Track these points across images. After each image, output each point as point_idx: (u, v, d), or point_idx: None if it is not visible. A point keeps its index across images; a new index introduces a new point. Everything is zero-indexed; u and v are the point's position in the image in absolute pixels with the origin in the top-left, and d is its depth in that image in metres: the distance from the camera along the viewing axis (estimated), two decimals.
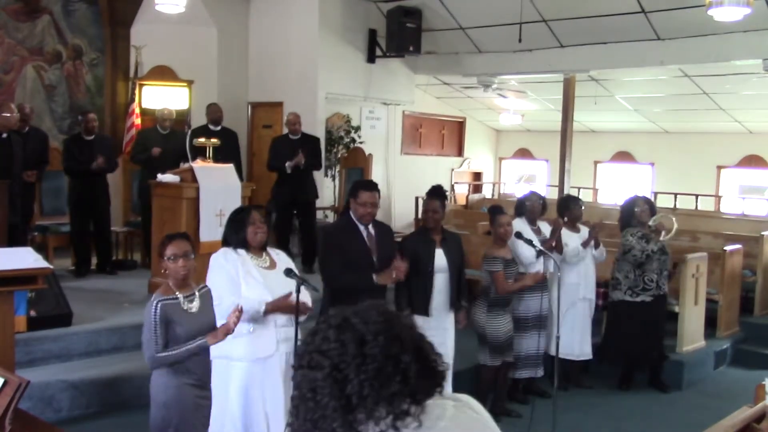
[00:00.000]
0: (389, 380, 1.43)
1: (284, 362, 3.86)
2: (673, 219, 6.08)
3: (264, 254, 4.01)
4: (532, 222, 6.00)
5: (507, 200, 11.97)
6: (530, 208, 6.01)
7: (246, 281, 3.83)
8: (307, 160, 8.19)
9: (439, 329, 4.79)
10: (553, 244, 5.88)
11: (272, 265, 3.98)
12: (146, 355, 3.47)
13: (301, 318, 3.90)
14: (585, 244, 6.11)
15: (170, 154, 7.52)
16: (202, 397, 3.62)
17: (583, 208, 6.39)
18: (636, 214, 6.12)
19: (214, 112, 8.48)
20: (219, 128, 8.38)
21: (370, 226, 4.53)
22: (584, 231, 6.26)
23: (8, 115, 6.69)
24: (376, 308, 1.52)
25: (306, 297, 3.93)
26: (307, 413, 1.47)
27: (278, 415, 3.87)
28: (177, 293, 3.54)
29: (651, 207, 6.21)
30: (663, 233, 6.01)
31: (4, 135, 6.68)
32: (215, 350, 3.71)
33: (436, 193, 5.07)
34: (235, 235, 3.94)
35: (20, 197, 6.69)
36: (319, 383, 1.45)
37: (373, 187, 4.57)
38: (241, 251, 3.92)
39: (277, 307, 3.82)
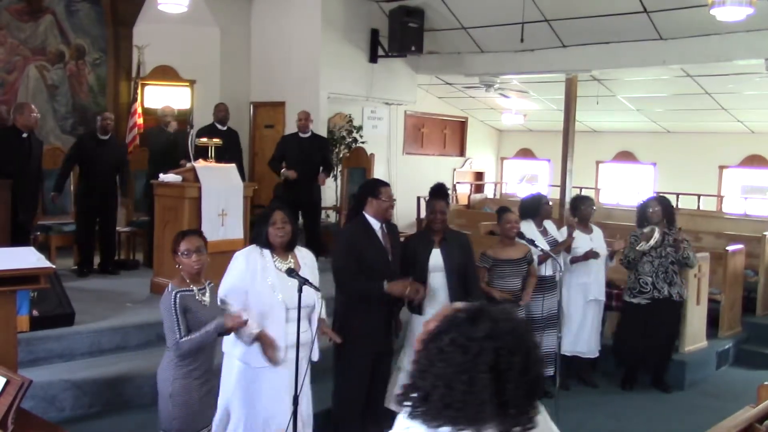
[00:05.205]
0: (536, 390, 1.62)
1: (292, 368, 3.70)
2: (656, 233, 5.98)
3: (289, 256, 3.96)
4: (537, 223, 6.00)
5: (509, 200, 11.98)
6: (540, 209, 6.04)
7: (261, 284, 3.81)
8: (317, 162, 8.23)
9: None
10: (570, 243, 5.91)
11: (296, 267, 3.89)
12: (170, 343, 3.53)
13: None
14: (583, 258, 6.00)
15: (176, 153, 7.56)
16: (207, 389, 3.66)
17: (594, 208, 6.38)
18: (648, 216, 6.12)
19: (221, 111, 8.52)
20: (225, 128, 8.41)
21: (383, 225, 4.51)
22: (596, 232, 6.24)
23: (32, 114, 6.82)
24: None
25: (320, 310, 3.92)
26: (449, 395, 1.54)
27: (278, 421, 3.80)
28: (191, 286, 3.61)
29: (664, 208, 6.15)
30: (643, 243, 6.01)
31: (24, 134, 6.78)
32: (224, 346, 3.77)
33: (440, 192, 4.94)
34: (259, 234, 3.94)
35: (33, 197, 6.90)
36: (479, 374, 1.53)
37: (387, 183, 4.60)
38: (266, 251, 3.89)
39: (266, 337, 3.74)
